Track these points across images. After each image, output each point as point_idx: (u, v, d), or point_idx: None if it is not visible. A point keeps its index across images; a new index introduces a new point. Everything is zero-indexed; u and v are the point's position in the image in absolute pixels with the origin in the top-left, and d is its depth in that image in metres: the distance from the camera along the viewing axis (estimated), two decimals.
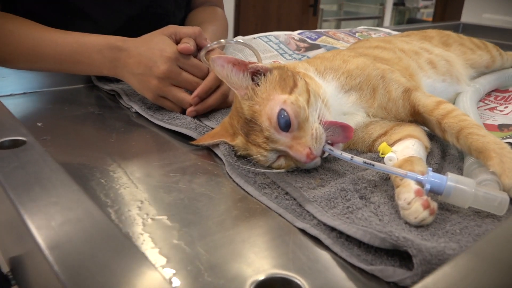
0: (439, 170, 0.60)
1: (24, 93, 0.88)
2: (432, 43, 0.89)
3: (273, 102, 0.56)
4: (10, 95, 0.86)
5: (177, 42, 0.76)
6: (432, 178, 0.49)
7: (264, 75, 0.60)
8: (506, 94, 0.90)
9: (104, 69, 0.78)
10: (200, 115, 0.77)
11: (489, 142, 0.54)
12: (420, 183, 0.50)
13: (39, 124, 0.72)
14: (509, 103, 0.85)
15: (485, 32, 1.61)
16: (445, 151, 0.65)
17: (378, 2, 4.24)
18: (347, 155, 0.54)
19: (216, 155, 0.64)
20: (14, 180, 0.42)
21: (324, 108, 0.59)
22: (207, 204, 0.52)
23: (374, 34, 1.31)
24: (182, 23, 1.04)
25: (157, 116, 0.75)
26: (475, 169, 0.55)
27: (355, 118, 0.65)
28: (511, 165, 0.51)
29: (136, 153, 0.65)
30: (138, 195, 0.53)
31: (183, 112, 0.76)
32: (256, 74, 0.60)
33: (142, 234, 0.45)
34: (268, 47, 1.10)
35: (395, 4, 4.13)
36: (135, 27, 0.81)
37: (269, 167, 0.59)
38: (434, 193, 0.49)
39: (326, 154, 0.57)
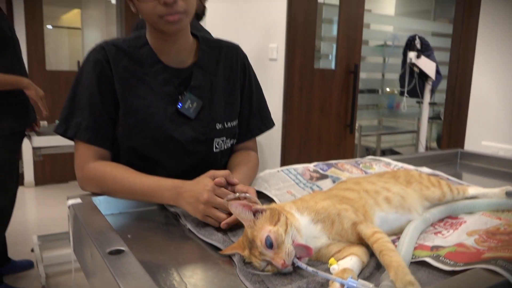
0: (371, 276, 1.00)
1: (119, 213, 1.38)
2: (398, 181, 1.29)
3: (263, 231, 1.01)
4: (111, 214, 1.38)
5: None
6: (350, 282, 0.89)
7: (261, 213, 1.05)
8: (455, 221, 1.24)
9: (170, 200, 1.29)
10: (229, 234, 1.23)
11: (392, 261, 0.93)
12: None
13: (128, 236, 1.22)
14: (453, 229, 1.21)
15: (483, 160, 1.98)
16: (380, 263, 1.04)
17: (415, 116, 4.66)
18: (303, 265, 0.96)
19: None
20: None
21: (297, 234, 1.03)
22: None
23: (375, 164, 1.71)
24: (225, 165, 1.57)
25: (202, 232, 1.22)
26: (385, 274, 0.95)
27: (321, 240, 1.06)
28: (402, 276, 0.89)
29: (186, 258, 1.11)
30: None
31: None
32: (256, 212, 1.06)
33: None
34: (287, 178, 1.56)
35: (430, 118, 4.53)
36: (193, 172, 1.33)
37: (262, 270, 1.02)
38: None
39: (296, 265, 0.99)
